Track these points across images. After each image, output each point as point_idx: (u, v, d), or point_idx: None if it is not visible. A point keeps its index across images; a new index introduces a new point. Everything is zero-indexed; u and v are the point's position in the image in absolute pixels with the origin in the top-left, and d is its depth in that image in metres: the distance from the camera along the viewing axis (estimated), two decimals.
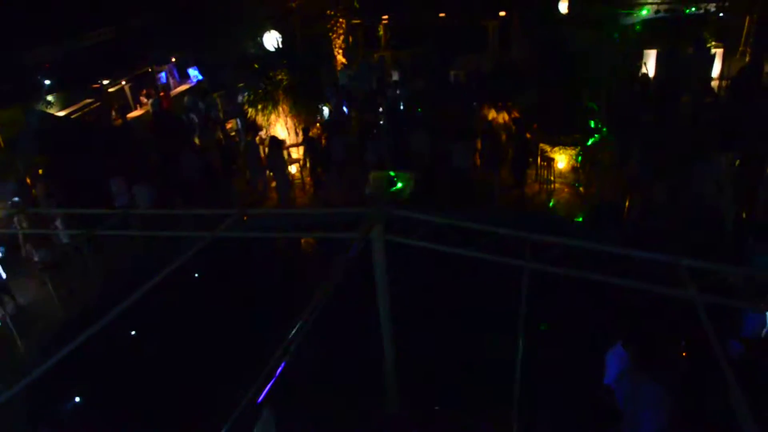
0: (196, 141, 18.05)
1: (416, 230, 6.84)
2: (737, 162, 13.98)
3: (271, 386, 4.52)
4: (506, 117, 16.48)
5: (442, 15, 27.25)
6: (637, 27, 22.15)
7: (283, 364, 4.70)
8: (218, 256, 12.91)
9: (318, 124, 17.96)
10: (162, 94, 24.15)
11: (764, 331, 7.44)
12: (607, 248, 6.15)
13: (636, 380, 6.34)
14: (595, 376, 7.35)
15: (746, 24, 22.87)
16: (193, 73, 27.52)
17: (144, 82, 25.33)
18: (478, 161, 15.49)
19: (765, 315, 7.39)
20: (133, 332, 11.49)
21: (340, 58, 25.06)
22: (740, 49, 22.97)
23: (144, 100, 24.31)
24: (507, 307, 5.98)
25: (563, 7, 22.99)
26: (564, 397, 8.30)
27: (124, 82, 24.08)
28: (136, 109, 24.18)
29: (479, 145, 15.56)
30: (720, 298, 5.62)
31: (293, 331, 4.91)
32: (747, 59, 21.81)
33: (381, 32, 28.67)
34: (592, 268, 5.91)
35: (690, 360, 7.36)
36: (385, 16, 28.14)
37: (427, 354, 9.51)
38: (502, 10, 26.34)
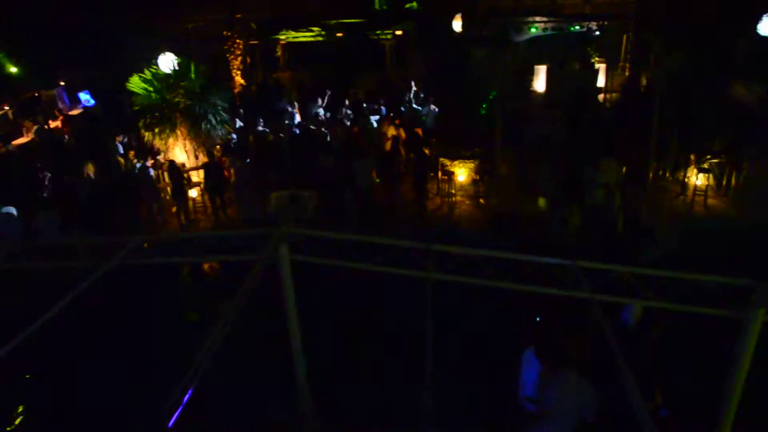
0: (90, 168, 17.23)
1: (321, 248, 6.84)
2: (624, 168, 14.89)
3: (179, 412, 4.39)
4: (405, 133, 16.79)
5: (339, 35, 27.52)
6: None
7: (190, 391, 4.58)
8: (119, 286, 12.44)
9: (218, 146, 17.62)
10: (61, 117, 23.04)
11: (633, 323, 7.92)
12: (507, 256, 6.36)
13: (561, 381, 6.48)
14: (510, 387, 7.50)
15: (624, 42, 24.52)
16: (85, 97, 26.38)
17: (32, 107, 24.03)
18: (378, 178, 15.64)
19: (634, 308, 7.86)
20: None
21: (239, 79, 24.83)
22: (620, 64, 24.57)
23: (29, 125, 22.97)
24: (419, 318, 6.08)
25: (457, 26, 23.75)
26: (479, 408, 8.50)
27: (7, 107, 22.77)
28: (23, 135, 22.85)
29: (380, 162, 15.75)
30: (612, 296, 5.94)
31: (200, 355, 4.79)
32: (626, 73, 23.34)
33: (279, 52, 28.61)
34: (494, 276, 6.10)
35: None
36: (283, 37, 28.14)
37: (341, 368, 9.53)
38: (398, 29, 26.92)
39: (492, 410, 8.31)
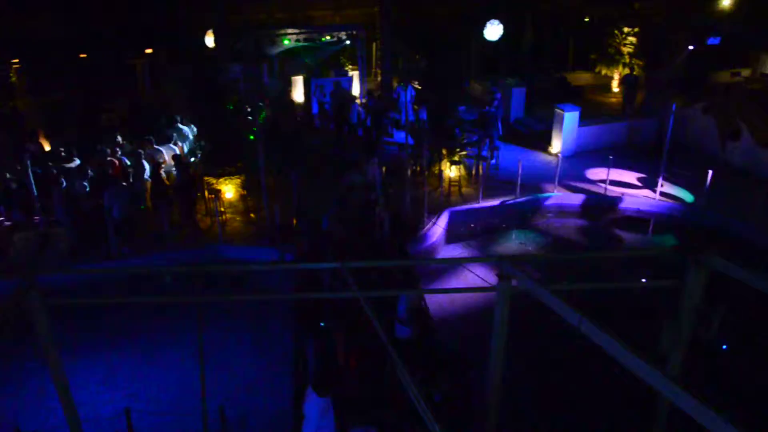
0: None
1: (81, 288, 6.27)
2: (384, 169, 15.61)
3: None
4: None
5: (83, 55, 25.51)
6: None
7: None
8: None
9: None
10: None
11: (409, 315, 8.31)
12: (280, 265, 6.33)
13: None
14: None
15: (374, 50, 25.88)
16: None
17: None
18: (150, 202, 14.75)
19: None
20: None
21: None
22: (373, 70, 25.87)
23: None
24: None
25: (210, 42, 23.26)
26: None
27: None
28: None
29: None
30: (381, 291, 6.14)
31: None
32: (379, 79, 24.61)
33: (14, 78, 25.69)
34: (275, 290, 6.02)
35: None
36: (16, 60, 25.32)
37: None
38: (148, 47, 25.68)
39: None
